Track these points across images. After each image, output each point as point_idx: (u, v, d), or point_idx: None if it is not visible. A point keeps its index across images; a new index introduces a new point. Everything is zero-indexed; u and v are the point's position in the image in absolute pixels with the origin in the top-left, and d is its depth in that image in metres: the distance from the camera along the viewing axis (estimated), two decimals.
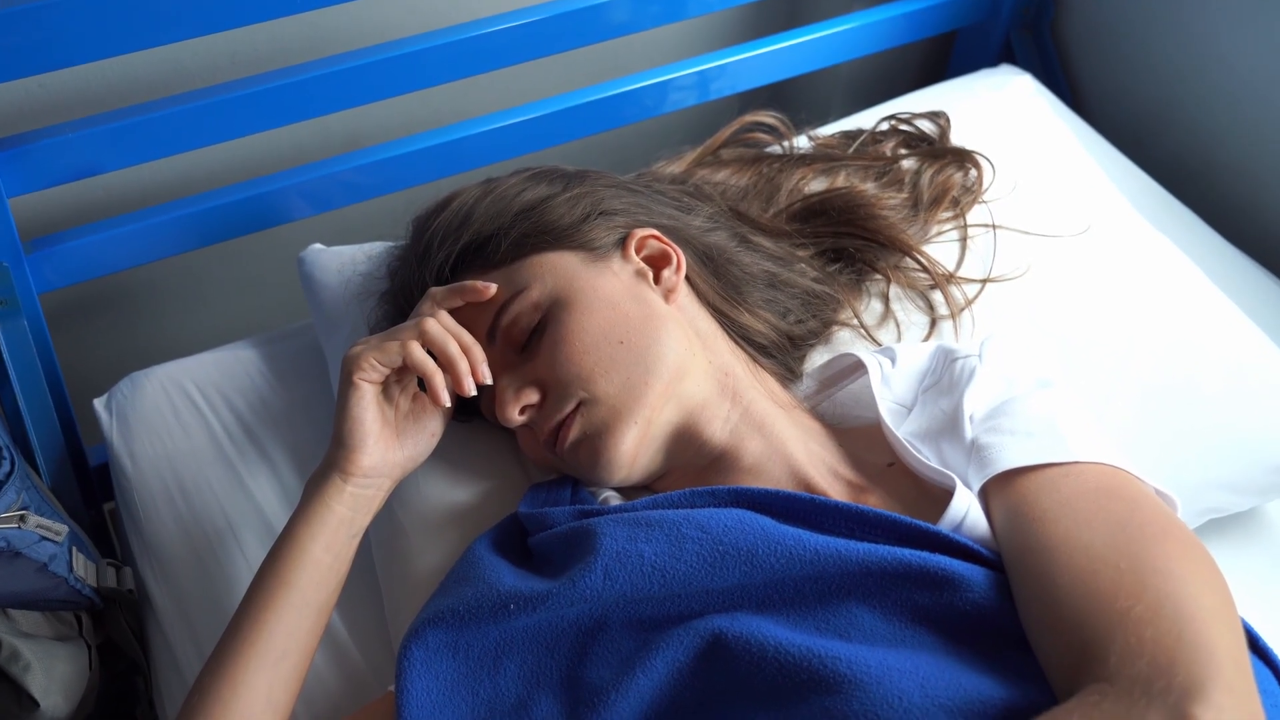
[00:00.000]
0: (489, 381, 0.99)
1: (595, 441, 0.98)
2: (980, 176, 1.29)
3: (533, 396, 1.00)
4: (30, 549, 1.13)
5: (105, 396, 1.32)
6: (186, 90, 1.28)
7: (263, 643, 0.93)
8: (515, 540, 1.01)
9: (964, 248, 1.24)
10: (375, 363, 0.97)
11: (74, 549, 1.18)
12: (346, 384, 0.98)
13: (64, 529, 1.17)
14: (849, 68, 1.67)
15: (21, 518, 1.13)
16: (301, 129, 1.42)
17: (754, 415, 1.03)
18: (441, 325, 0.98)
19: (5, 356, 1.24)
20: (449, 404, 0.97)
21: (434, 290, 1.03)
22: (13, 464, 1.15)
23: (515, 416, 1.00)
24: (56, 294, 1.32)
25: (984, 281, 1.22)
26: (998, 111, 1.42)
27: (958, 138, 1.35)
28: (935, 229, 1.25)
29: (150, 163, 1.29)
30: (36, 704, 1.13)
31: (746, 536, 0.88)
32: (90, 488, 1.40)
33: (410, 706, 0.88)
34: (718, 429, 1.02)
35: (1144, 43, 1.62)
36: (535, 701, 0.88)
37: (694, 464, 1.03)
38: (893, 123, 1.38)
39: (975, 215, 1.27)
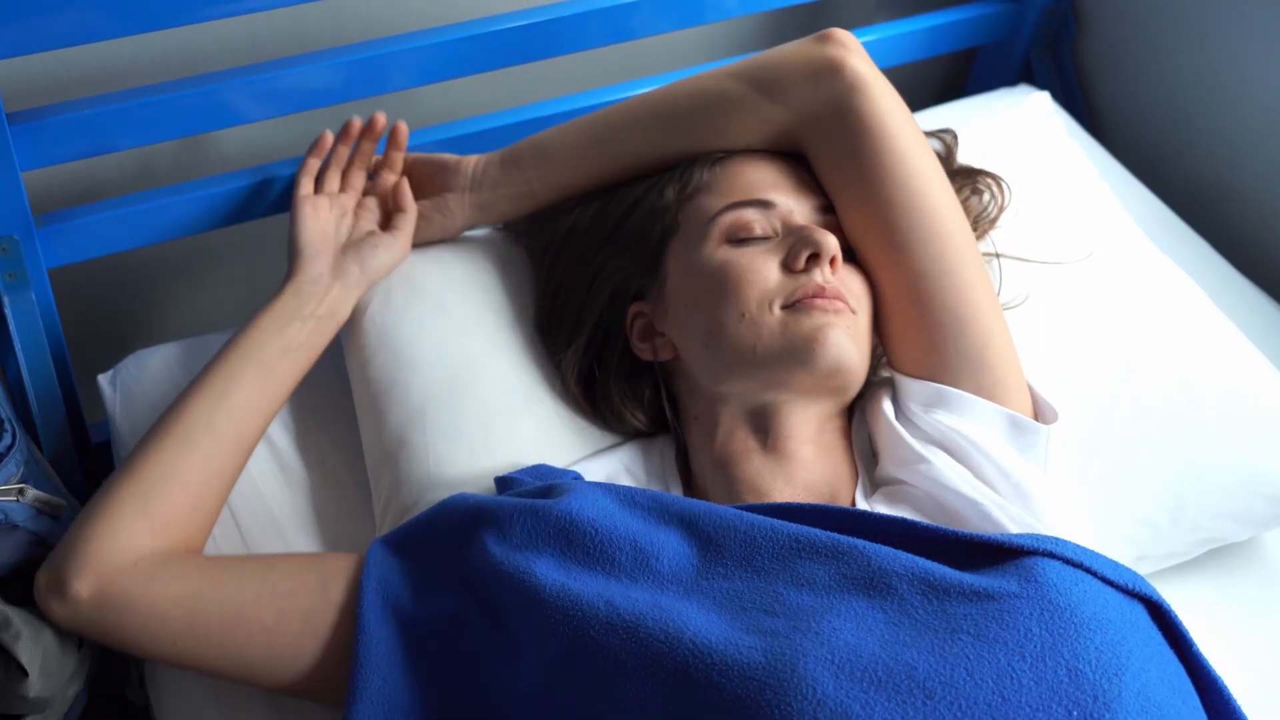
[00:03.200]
0: (403, 139, 1.25)
1: (844, 334, 1.02)
2: (998, 199, 1.26)
3: (839, 262, 1.06)
4: (28, 522, 1.13)
5: (110, 373, 1.32)
6: (205, 72, 1.28)
7: (208, 383, 1.09)
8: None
9: None
10: (302, 176, 1.22)
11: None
12: (291, 205, 1.20)
13: (63, 504, 1.17)
14: None
15: (20, 491, 1.13)
16: (317, 116, 1.42)
17: (826, 437, 1.06)
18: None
19: (12, 330, 1.24)
20: (359, 127, 1.25)
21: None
22: (14, 437, 1.15)
23: (834, 245, 1.04)
24: (66, 269, 1.32)
25: None
26: (1013, 130, 1.42)
27: (973, 155, 1.34)
28: None
29: (166, 143, 1.30)
30: (25, 673, 1.13)
31: (692, 506, 0.95)
32: (91, 464, 1.40)
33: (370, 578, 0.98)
34: (807, 430, 1.05)
35: (1164, 67, 1.61)
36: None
37: (761, 438, 1.04)
38: None
39: (982, 241, 1.26)
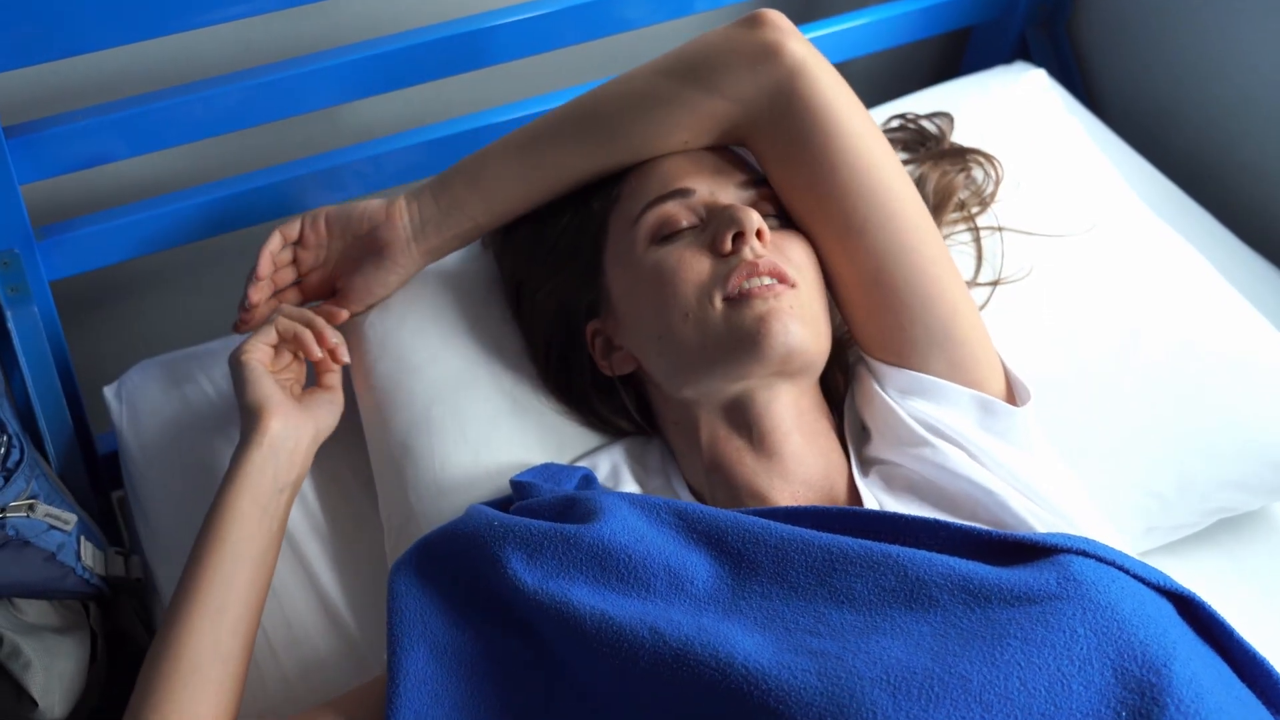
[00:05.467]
0: (346, 360, 1.12)
1: (789, 318, 0.99)
2: (992, 174, 1.27)
3: (766, 233, 1.02)
4: (39, 538, 1.13)
5: (115, 384, 1.32)
6: (200, 79, 1.28)
7: (203, 597, 0.99)
8: (501, 509, 1.01)
9: (979, 251, 1.23)
10: (256, 342, 1.11)
11: (82, 538, 1.18)
12: (237, 365, 1.10)
13: (73, 518, 1.17)
14: (862, 63, 1.66)
15: (31, 506, 1.14)
16: (312, 120, 1.42)
17: (808, 419, 1.04)
18: (288, 316, 1.12)
19: (16, 344, 1.24)
20: (319, 355, 1.11)
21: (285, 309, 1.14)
22: (22, 452, 1.16)
23: (755, 219, 1.01)
24: (68, 281, 1.32)
25: (994, 284, 1.21)
26: (1010, 108, 1.42)
27: (970, 134, 1.34)
28: (944, 232, 1.25)
29: (163, 151, 1.29)
30: (36, 702, 1.13)
31: (718, 521, 0.92)
32: (99, 476, 1.40)
33: (404, 612, 0.94)
34: (787, 414, 1.03)
35: (1161, 40, 1.61)
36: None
37: (746, 434, 1.03)
38: (901, 121, 1.37)
39: (982, 217, 1.26)
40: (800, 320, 0.99)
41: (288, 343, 1.13)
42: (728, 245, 1.01)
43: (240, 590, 1.01)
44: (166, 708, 0.95)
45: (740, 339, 0.98)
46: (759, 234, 1.01)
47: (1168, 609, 0.86)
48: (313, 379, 1.16)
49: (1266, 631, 1.14)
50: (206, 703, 0.96)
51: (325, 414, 1.12)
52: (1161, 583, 0.88)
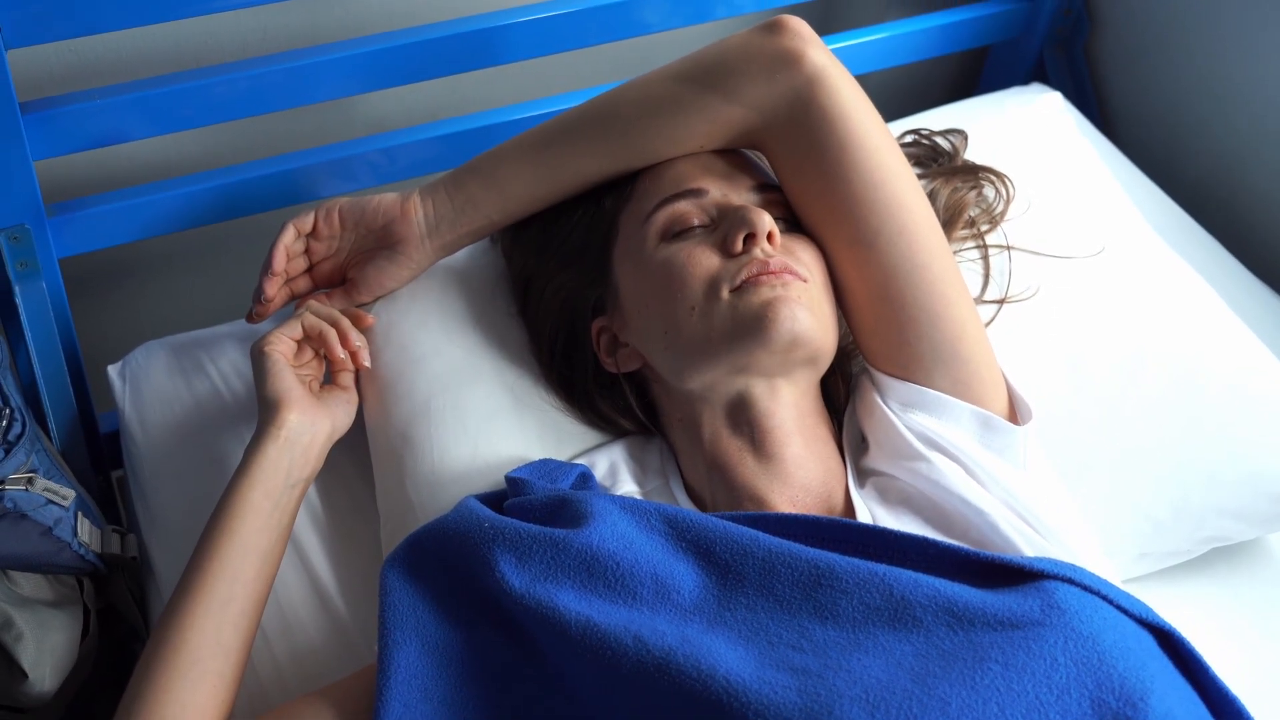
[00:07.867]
0: (366, 364, 1.13)
1: (796, 305, 0.99)
2: (1004, 193, 1.27)
3: (777, 236, 1.03)
4: (36, 512, 1.14)
5: (120, 364, 1.32)
6: (216, 63, 1.28)
7: (208, 588, 0.99)
8: (494, 504, 1.02)
9: (987, 268, 1.23)
10: (280, 335, 1.11)
11: (80, 514, 1.19)
12: (259, 356, 1.10)
13: (71, 494, 1.17)
14: (879, 78, 1.66)
15: (30, 480, 1.14)
16: (326, 109, 1.43)
17: (809, 423, 1.04)
18: (315, 314, 1.12)
19: (23, 319, 1.25)
20: (341, 355, 1.11)
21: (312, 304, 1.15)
22: (24, 426, 1.16)
23: (767, 221, 1.01)
24: (77, 259, 1.33)
25: (1000, 303, 1.21)
26: (1024, 128, 1.42)
27: (983, 153, 1.34)
28: (953, 248, 1.24)
29: (175, 134, 1.30)
30: (26, 674, 1.13)
31: (707, 530, 0.92)
32: (100, 454, 1.40)
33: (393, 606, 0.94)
34: (788, 414, 1.03)
35: (1177, 66, 1.61)
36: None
37: (748, 433, 1.03)
38: (915, 136, 1.37)
39: (991, 235, 1.26)
40: (807, 309, 0.99)
41: (311, 340, 1.13)
42: (738, 246, 1.01)
43: (246, 584, 1.00)
44: (164, 698, 0.94)
45: (746, 323, 0.98)
46: (769, 236, 1.02)
47: (1148, 641, 0.86)
48: (327, 377, 1.16)
49: (1264, 661, 1.15)
50: (204, 695, 0.95)
51: (342, 413, 1.12)
52: (1143, 615, 0.87)
